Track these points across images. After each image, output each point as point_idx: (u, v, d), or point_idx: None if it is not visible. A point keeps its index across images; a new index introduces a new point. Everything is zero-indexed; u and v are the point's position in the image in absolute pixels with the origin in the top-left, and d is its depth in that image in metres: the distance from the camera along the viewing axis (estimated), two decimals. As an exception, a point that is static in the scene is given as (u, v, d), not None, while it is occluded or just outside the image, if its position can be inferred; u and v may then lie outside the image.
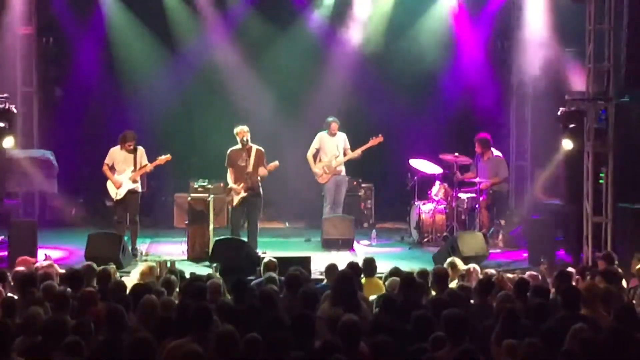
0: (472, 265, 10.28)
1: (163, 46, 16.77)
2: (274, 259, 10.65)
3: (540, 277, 10.26)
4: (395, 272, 9.91)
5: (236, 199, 13.59)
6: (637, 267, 10.29)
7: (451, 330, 7.01)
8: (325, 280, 10.08)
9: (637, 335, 6.87)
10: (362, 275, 10.25)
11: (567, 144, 13.37)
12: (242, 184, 13.51)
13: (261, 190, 13.69)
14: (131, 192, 13.70)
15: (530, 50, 15.55)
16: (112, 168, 13.73)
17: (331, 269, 10.11)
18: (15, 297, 8.67)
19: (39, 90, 16.49)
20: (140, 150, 13.79)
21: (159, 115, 16.71)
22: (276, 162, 13.56)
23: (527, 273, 10.34)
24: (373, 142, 14.90)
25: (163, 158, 13.74)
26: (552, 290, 9.24)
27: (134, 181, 13.74)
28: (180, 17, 16.74)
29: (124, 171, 13.67)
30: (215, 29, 16.79)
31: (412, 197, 15.44)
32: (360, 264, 10.50)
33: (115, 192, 13.71)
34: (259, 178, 13.52)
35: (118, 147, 13.75)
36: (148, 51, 16.76)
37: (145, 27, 16.65)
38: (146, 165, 13.70)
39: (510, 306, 7.87)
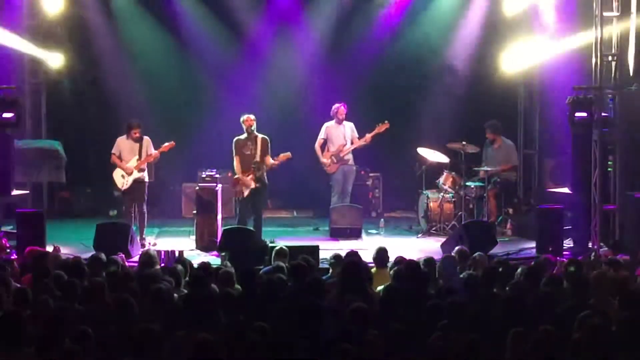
0: (478, 254, 10.26)
1: (171, 36, 16.75)
2: (285, 247, 10.67)
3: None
4: (399, 261, 9.93)
5: (246, 191, 13.59)
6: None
7: (455, 319, 7.03)
8: (330, 271, 10.09)
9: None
10: (372, 265, 10.33)
11: (574, 132, 13.36)
12: (250, 175, 13.53)
13: (266, 180, 13.70)
14: (138, 182, 13.74)
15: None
16: (119, 158, 13.76)
17: (337, 258, 10.13)
18: (25, 287, 8.70)
19: (46, 82, 16.50)
20: (147, 139, 13.82)
21: (167, 105, 16.72)
22: (288, 153, 13.57)
23: (539, 260, 10.36)
24: (379, 128, 14.88)
25: (167, 145, 13.77)
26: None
27: (140, 170, 13.77)
28: (188, 7, 16.72)
29: (130, 160, 13.70)
30: (224, 18, 16.75)
31: (420, 186, 15.44)
32: (373, 254, 10.53)
33: (122, 182, 13.75)
34: (265, 167, 13.52)
35: (124, 136, 13.80)
36: (157, 41, 16.76)
37: (154, 16, 16.64)
38: (152, 154, 13.73)
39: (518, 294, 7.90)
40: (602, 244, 12.81)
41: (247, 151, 13.59)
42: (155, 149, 13.79)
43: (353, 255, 10.15)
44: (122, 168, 13.70)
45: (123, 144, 13.81)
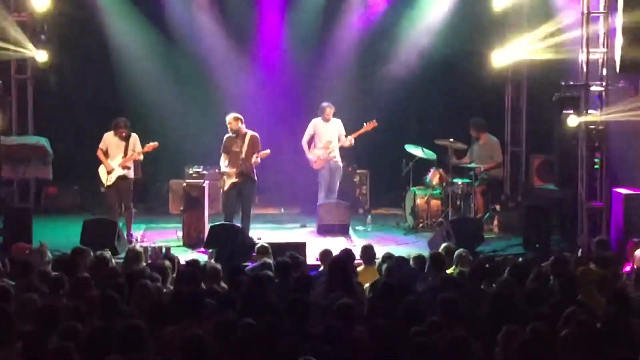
0: (462, 250, 10.26)
1: (158, 33, 16.72)
2: (266, 244, 10.68)
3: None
4: (388, 257, 9.94)
5: (227, 183, 13.58)
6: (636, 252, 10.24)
7: (445, 315, 7.03)
8: (322, 267, 10.10)
9: (630, 320, 6.90)
10: (360, 262, 10.34)
11: (561, 129, 13.39)
12: (234, 169, 13.50)
13: (255, 176, 13.67)
14: (122, 179, 13.65)
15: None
16: (105, 153, 13.71)
17: (326, 254, 10.13)
18: (11, 283, 8.68)
19: (33, 78, 16.43)
20: (134, 137, 13.75)
21: (154, 101, 16.67)
22: (267, 151, 13.53)
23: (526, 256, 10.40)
24: (367, 127, 14.88)
25: (150, 145, 13.70)
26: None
27: (124, 167, 13.69)
28: (175, 4, 16.69)
29: (116, 157, 13.64)
30: (209, 14, 16.74)
31: (408, 182, 15.45)
32: (359, 250, 10.54)
33: (106, 178, 13.68)
34: (252, 164, 13.49)
35: (111, 132, 13.73)
36: (143, 37, 16.72)
37: (140, 13, 16.60)
38: (133, 153, 13.65)
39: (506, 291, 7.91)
40: (588, 240, 12.84)
41: (236, 148, 13.54)
42: (142, 146, 13.72)
43: (346, 253, 10.13)
44: (105, 164, 13.64)
45: (110, 140, 13.73)
